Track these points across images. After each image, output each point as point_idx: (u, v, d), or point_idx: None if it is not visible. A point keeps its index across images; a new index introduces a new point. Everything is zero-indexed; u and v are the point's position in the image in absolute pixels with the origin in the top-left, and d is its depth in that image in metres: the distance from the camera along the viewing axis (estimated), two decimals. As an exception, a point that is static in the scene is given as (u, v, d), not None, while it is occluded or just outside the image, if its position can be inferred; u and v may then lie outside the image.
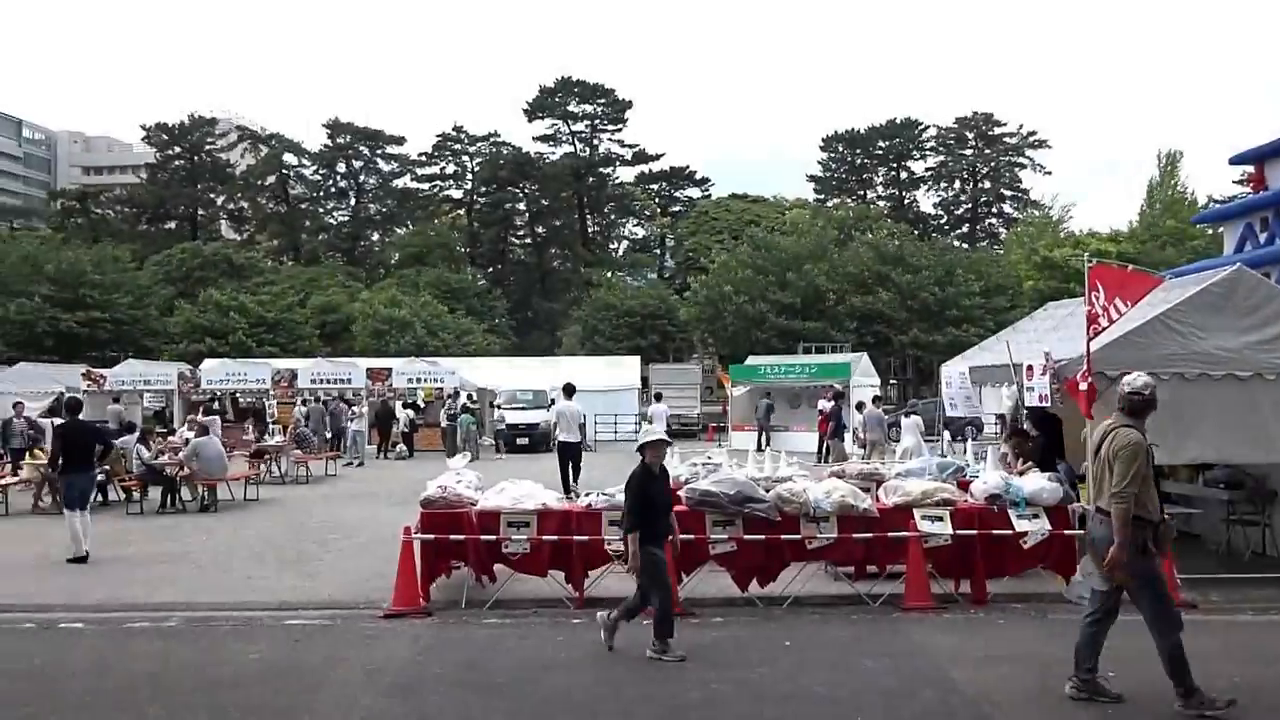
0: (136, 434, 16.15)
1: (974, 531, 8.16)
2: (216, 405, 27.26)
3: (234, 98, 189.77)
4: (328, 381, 27.57)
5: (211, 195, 78.88)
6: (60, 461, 11.18)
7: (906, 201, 77.39)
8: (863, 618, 7.86)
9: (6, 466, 16.92)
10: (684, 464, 10.29)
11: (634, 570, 6.79)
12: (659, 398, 26.63)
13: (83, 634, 7.64)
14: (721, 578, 8.43)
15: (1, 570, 10.13)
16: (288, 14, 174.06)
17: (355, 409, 25.68)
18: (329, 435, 23.68)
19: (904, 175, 77.77)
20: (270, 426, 24.10)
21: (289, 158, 76.41)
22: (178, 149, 77.71)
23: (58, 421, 14.41)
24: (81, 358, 37.88)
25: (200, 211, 78.70)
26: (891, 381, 44.53)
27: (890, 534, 8.15)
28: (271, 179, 76.18)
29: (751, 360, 32.27)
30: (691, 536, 7.96)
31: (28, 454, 16.87)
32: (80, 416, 12.14)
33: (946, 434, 22.26)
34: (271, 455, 19.21)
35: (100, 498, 15.43)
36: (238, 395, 29.78)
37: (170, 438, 18.02)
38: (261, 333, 44.98)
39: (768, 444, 24.08)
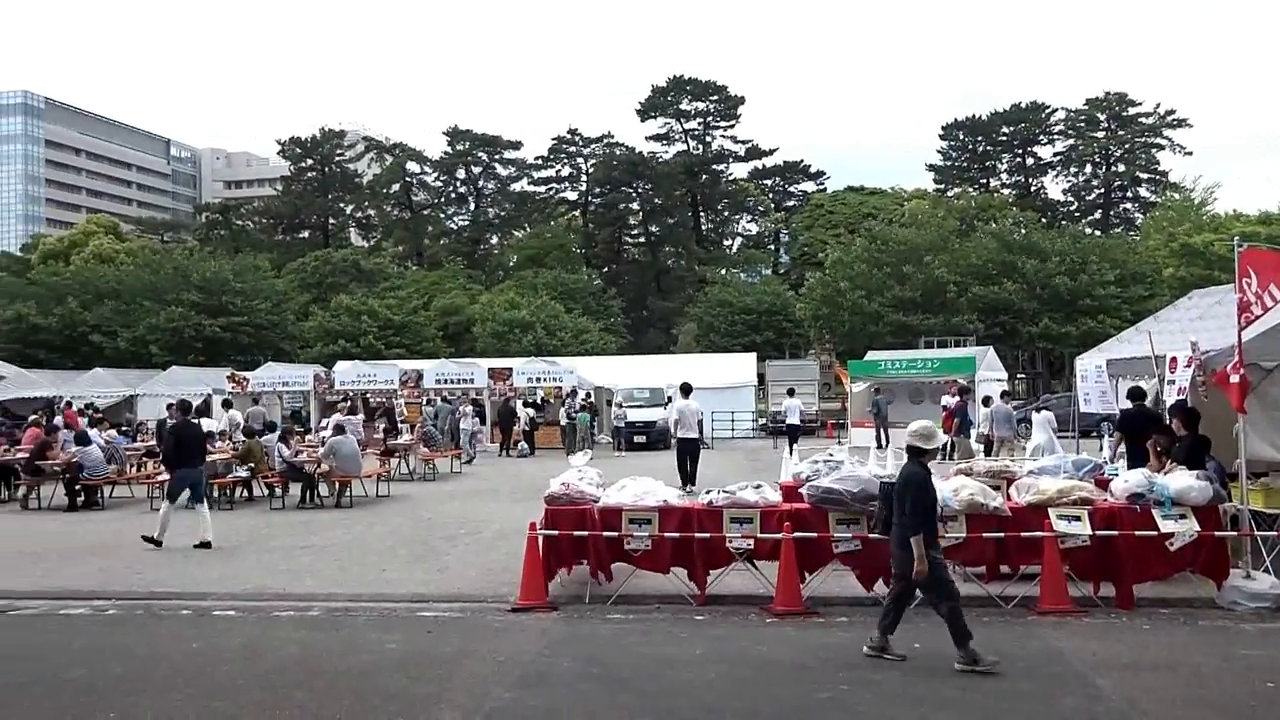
0: (278, 433, 17.03)
1: (1114, 532, 7.79)
2: (348, 405, 28.46)
3: (361, 110, 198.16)
4: (452, 381, 28.47)
5: (341, 204, 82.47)
6: (173, 457, 12.15)
7: (1033, 188, 74.41)
8: (995, 620, 7.60)
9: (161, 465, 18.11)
10: (805, 461, 10.17)
11: (920, 574, 6.27)
12: (791, 393, 26.49)
13: (234, 620, 8.10)
14: (846, 577, 8.29)
15: (161, 560, 10.84)
16: (411, 27, 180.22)
17: (463, 408, 26.14)
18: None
19: (1030, 161, 74.81)
20: (399, 425, 25.02)
21: (412, 166, 79.17)
22: (310, 161, 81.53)
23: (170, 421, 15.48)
24: (226, 361, 40.15)
25: (331, 220, 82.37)
26: (1019, 376, 42.83)
27: (1023, 534, 7.85)
28: (396, 187, 79.10)
29: (871, 355, 31.62)
30: (814, 535, 7.88)
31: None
32: (189, 418, 13.01)
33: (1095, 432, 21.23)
34: (401, 453, 19.94)
35: (246, 493, 16.41)
36: (368, 395, 31.01)
37: (308, 436, 18.92)
38: (389, 335, 46.74)
39: (887, 441, 23.58)
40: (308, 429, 22.73)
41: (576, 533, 8.30)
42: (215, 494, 15.76)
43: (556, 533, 8.33)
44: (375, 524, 13.44)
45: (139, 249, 67.17)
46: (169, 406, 21.07)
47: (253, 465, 15.94)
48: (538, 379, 28.52)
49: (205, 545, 11.35)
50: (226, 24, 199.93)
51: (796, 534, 7.85)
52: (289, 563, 10.59)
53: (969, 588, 8.43)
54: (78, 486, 15.90)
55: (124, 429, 22.94)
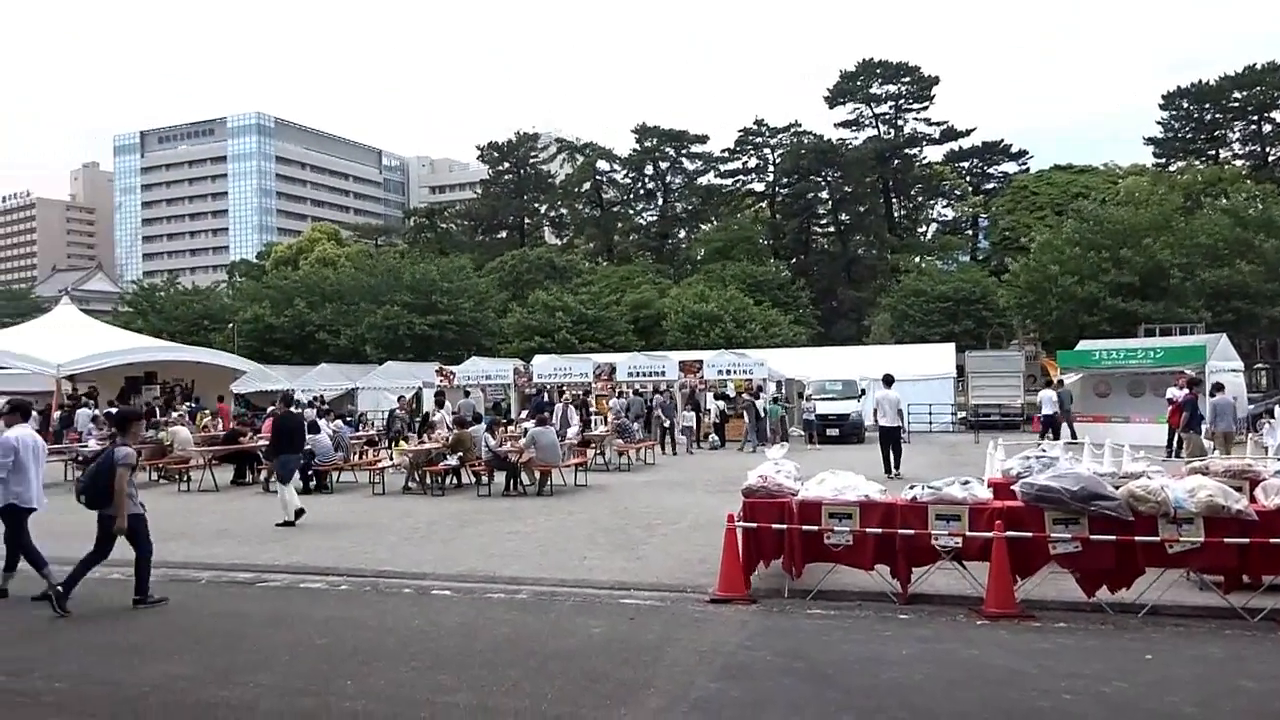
0: (485, 424, 17.93)
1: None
2: (546, 398, 29.57)
3: (554, 112, 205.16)
4: (643, 374, 29.01)
5: (536, 204, 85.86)
6: (277, 445, 13.89)
7: (1271, 159, 67.09)
8: (1239, 634, 6.94)
9: (383, 452, 19.52)
10: (1015, 458, 9.65)
11: None
12: (1050, 384, 25.73)
13: (450, 600, 8.60)
14: (1063, 580, 7.82)
15: (381, 540, 11.67)
16: (600, 29, 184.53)
17: (664, 399, 26.42)
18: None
19: (1267, 129, 67.47)
20: (593, 417, 25.77)
21: (602, 164, 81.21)
22: (506, 164, 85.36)
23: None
24: (434, 356, 42.67)
25: (526, 220, 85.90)
26: (1258, 366, 38.81)
27: (1273, 540, 7.12)
28: (587, 185, 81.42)
29: (1083, 345, 29.57)
30: (1029, 535, 7.47)
31: (400, 441, 19.33)
32: (292, 409, 14.55)
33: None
34: (597, 444, 20.51)
35: (455, 480, 17.39)
36: (564, 388, 32.09)
37: (510, 427, 19.81)
38: (583, 329, 48.15)
39: (1072, 436, 22.23)
40: (509, 420, 23.78)
41: (775, 526, 8.25)
42: (429, 480, 16.86)
43: (755, 525, 8.32)
44: (575, 512, 13.89)
45: (356, 253, 72.69)
46: (399, 398, 22.81)
47: (462, 454, 16.87)
48: (727, 371, 28.57)
49: (288, 524, 12.76)
50: (429, 38, 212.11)
51: (1009, 533, 7.47)
52: (497, 547, 11.13)
53: (1205, 597, 7.75)
54: (310, 471, 17.39)
55: (347, 419, 24.83)
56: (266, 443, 18.67)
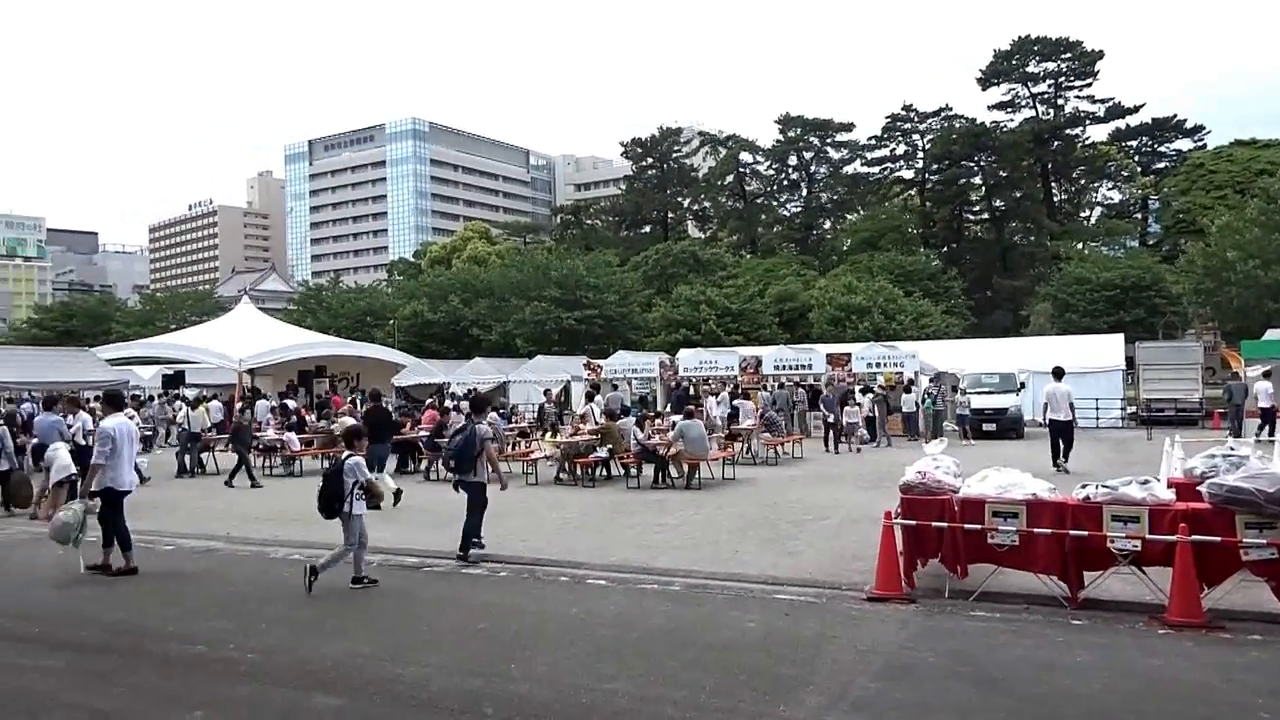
0: (633, 417, 18.16)
1: None
2: (692, 390, 29.68)
3: (696, 106, 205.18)
4: (789, 367, 28.70)
5: (679, 198, 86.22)
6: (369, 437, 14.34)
7: None
8: None
9: (535, 443, 20.07)
10: (1198, 456, 9.00)
11: None
12: (1268, 375, 24.24)
13: (606, 590, 8.77)
14: (1256, 589, 7.25)
15: (537, 529, 12.01)
16: (742, 21, 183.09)
17: (828, 396, 25.67)
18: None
19: None
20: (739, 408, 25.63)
21: (745, 156, 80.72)
22: (649, 159, 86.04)
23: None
24: (581, 351, 43.52)
25: (670, 214, 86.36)
26: None
27: None
28: (730, 178, 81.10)
29: (1271, 334, 27.31)
30: (1218, 539, 6.96)
31: (551, 433, 19.83)
32: (382, 403, 14.86)
33: None
34: (744, 438, 20.43)
35: (605, 472, 17.69)
36: (708, 380, 32.12)
37: (658, 420, 19.98)
38: (728, 322, 48.02)
39: (1239, 431, 20.64)
40: (658, 413, 24.00)
41: (935, 524, 8.00)
42: (579, 472, 17.22)
43: (914, 523, 8.09)
44: (724, 505, 13.89)
45: (506, 250, 74.99)
46: (545, 392, 23.47)
47: (611, 446, 17.16)
48: (877, 364, 27.90)
49: (375, 507, 13.35)
50: (573, 39, 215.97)
51: (1195, 537, 6.98)
52: (648, 539, 11.26)
53: None
54: (467, 462, 18.05)
55: (501, 411, 25.66)
56: (427, 433, 19.61)
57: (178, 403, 27.46)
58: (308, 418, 24.59)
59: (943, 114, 73.05)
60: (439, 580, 9.39)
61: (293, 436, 21.09)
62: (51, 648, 7.15)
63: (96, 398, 24.67)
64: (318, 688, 6.01)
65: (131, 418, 12.44)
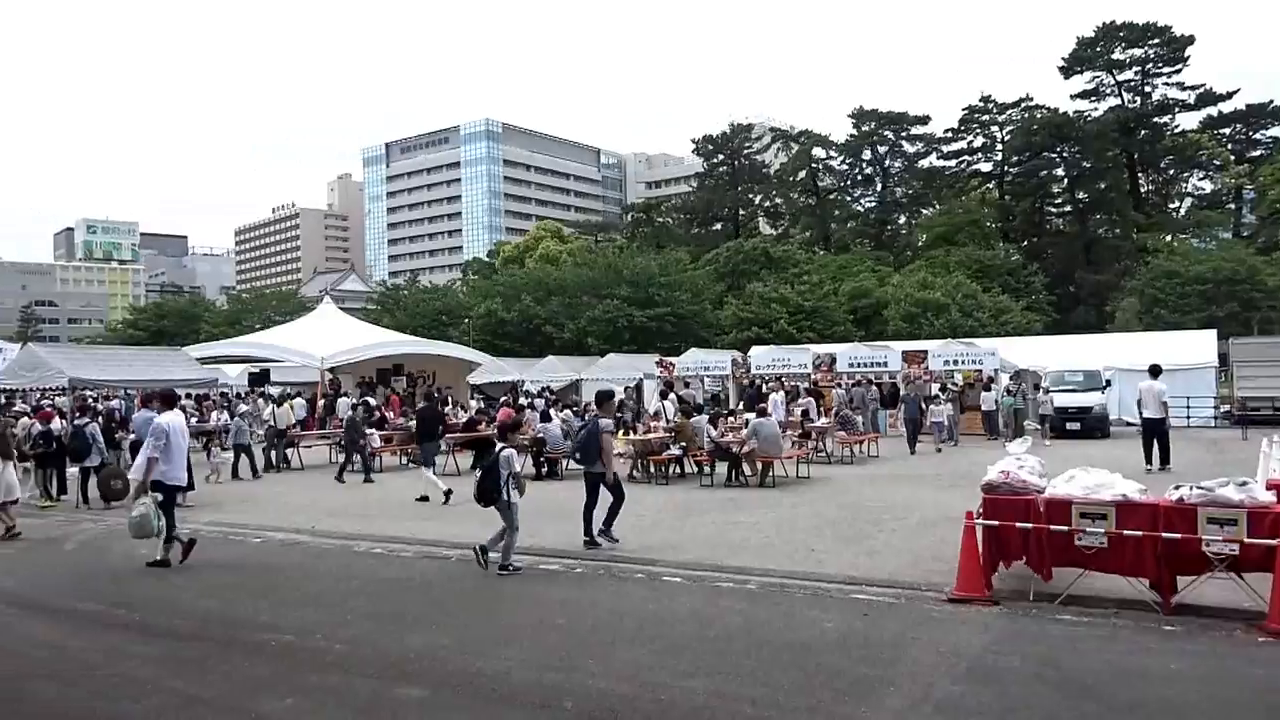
0: (706, 415, 18.13)
1: None
2: (764, 388, 29.51)
3: (768, 102, 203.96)
4: (864, 365, 28.31)
5: (750, 195, 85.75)
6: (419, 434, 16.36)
7: None
8: None
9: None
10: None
11: None
12: None
13: (680, 587, 8.77)
14: (1366, 597, 6.89)
15: (614, 527, 12.03)
16: (811, 14, 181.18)
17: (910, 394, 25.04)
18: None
19: None
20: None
21: (817, 151, 79.86)
22: (721, 156, 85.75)
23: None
24: (653, 349, 43.60)
25: (741, 211, 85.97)
26: None
27: None
28: (802, 174, 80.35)
29: (1379, 330, 25.97)
30: (1323, 544, 6.65)
31: (626, 430, 19.91)
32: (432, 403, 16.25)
33: None
34: (818, 436, 20.23)
35: (678, 470, 17.69)
36: (782, 379, 31.89)
37: (731, 418, 19.90)
38: (800, 320, 47.58)
39: None
40: (731, 411, 23.91)
41: (1020, 525, 7.81)
42: (652, 469, 17.25)
43: (996, 523, 7.91)
44: (799, 504, 13.78)
45: (578, 249, 75.51)
46: (625, 389, 23.64)
47: (684, 444, 17.15)
48: (955, 361, 27.33)
49: (424, 499, 14.78)
50: (644, 34, 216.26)
51: (1297, 541, 6.67)
52: (723, 537, 11.24)
53: None
54: (541, 459, 18.28)
55: (574, 409, 25.88)
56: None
57: (262, 400, 28.37)
58: (388, 415, 25.14)
59: (1023, 104, 71.19)
60: (517, 576, 9.51)
61: (373, 433, 21.59)
62: (150, 636, 7.46)
63: (188, 395, 25.72)
64: (401, 679, 6.15)
65: (192, 415, 13.07)
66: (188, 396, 25.51)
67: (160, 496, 10.14)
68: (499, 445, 9.98)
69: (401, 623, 7.64)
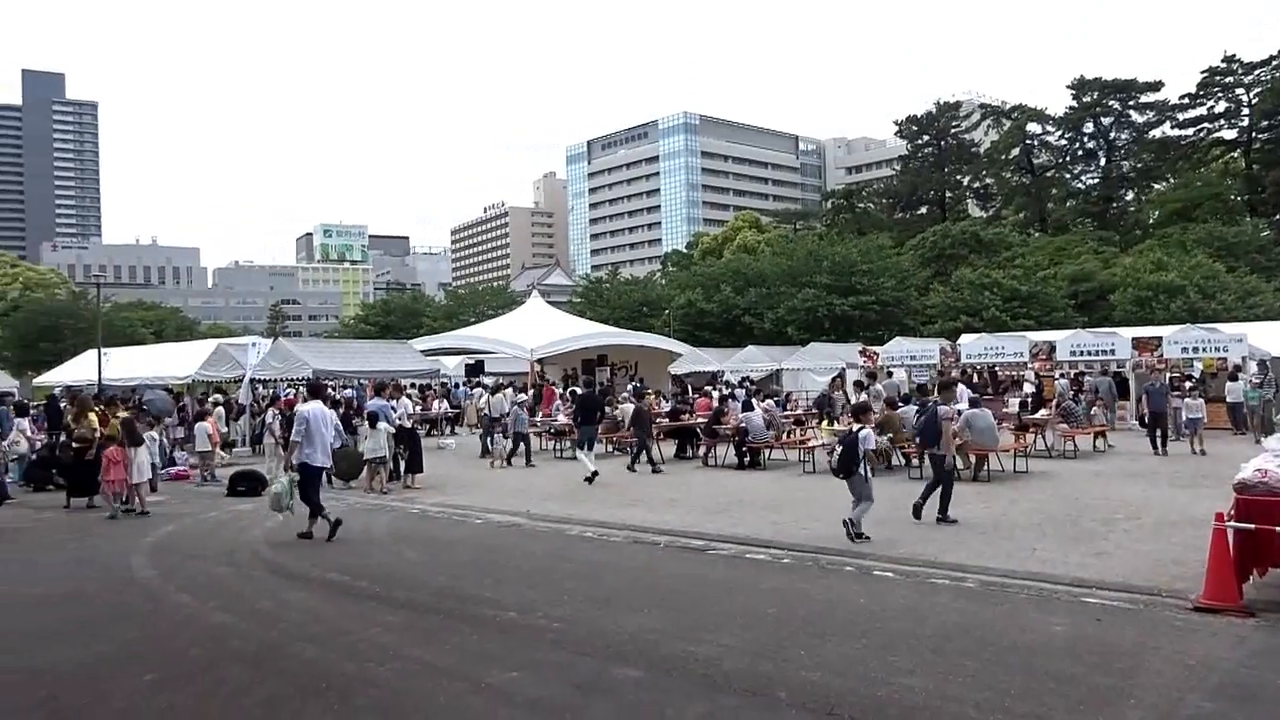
0: (913, 406, 17.54)
1: None
2: (975, 379, 28.14)
3: (977, 78, 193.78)
4: (1089, 353, 26.42)
5: (958, 176, 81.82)
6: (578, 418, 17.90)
7: None
8: None
9: (811, 431, 19.94)
10: None
11: None
12: None
13: (893, 582, 8.55)
14: None
15: (818, 517, 11.89)
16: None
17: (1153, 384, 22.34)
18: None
19: None
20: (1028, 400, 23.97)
21: (1032, 127, 75.04)
22: (926, 137, 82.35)
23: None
24: (856, 337, 42.54)
25: (948, 193, 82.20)
26: None
27: None
28: (1015, 151, 75.75)
29: None
30: None
31: (829, 421, 19.61)
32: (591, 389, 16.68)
33: None
34: (1037, 429, 19.10)
35: (884, 463, 17.21)
36: (995, 368, 30.30)
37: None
38: (1015, 306, 44.99)
39: None
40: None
41: (1278, 529, 7.06)
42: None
43: (1252, 526, 7.19)
44: (1017, 500, 13.08)
45: (776, 238, 74.81)
46: (831, 381, 23.30)
47: (891, 435, 16.66)
48: (1193, 349, 24.95)
49: (593, 476, 15.92)
50: (840, 16, 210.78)
51: None
52: (936, 532, 10.87)
53: None
54: (744, 448, 18.30)
55: (775, 399, 25.72)
56: (704, 420, 20.07)
57: (478, 389, 30.01)
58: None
59: (1273, 63, 63.76)
60: (725, 564, 9.59)
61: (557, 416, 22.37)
62: (392, 606, 8.09)
63: (412, 385, 27.59)
64: (617, 659, 6.36)
65: (336, 405, 14.44)
66: (411, 385, 27.34)
67: (297, 476, 11.14)
68: (856, 425, 10.97)
69: (614, 604, 7.89)
